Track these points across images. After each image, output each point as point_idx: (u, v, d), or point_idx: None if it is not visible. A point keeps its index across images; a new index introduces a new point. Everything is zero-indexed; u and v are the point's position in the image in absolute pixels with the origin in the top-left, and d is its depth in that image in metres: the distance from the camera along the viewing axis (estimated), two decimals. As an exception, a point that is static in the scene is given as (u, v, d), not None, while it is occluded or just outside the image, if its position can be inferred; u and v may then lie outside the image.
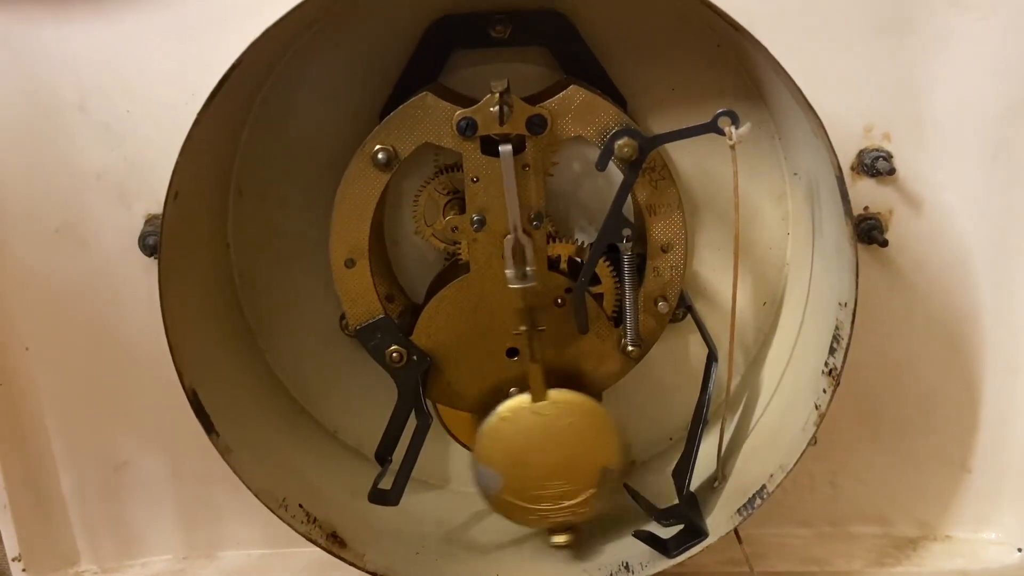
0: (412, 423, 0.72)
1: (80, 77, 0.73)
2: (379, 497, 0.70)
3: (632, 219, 0.70)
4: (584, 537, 0.75)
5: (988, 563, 0.83)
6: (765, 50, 0.61)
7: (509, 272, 0.68)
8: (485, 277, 0.70)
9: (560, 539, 0.74)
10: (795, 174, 0.74)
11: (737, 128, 0.61)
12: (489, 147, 0.66)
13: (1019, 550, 0.83)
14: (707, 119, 0.62)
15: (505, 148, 0.64)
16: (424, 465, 0.75)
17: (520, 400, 0.71)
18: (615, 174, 0.67)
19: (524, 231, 0.67)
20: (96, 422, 0.83)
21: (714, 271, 0.78)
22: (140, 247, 0.76)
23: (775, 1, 0.71)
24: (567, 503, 0.71)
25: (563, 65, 0.71)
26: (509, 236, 0.67)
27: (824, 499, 0.85)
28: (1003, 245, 0.76)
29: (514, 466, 0.71)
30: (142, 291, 0.77)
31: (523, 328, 0.70)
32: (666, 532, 0.72)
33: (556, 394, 0.70)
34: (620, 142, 0.65)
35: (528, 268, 0.68)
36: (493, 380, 0.72)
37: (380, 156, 0.66)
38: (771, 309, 0.79)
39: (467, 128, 0.65)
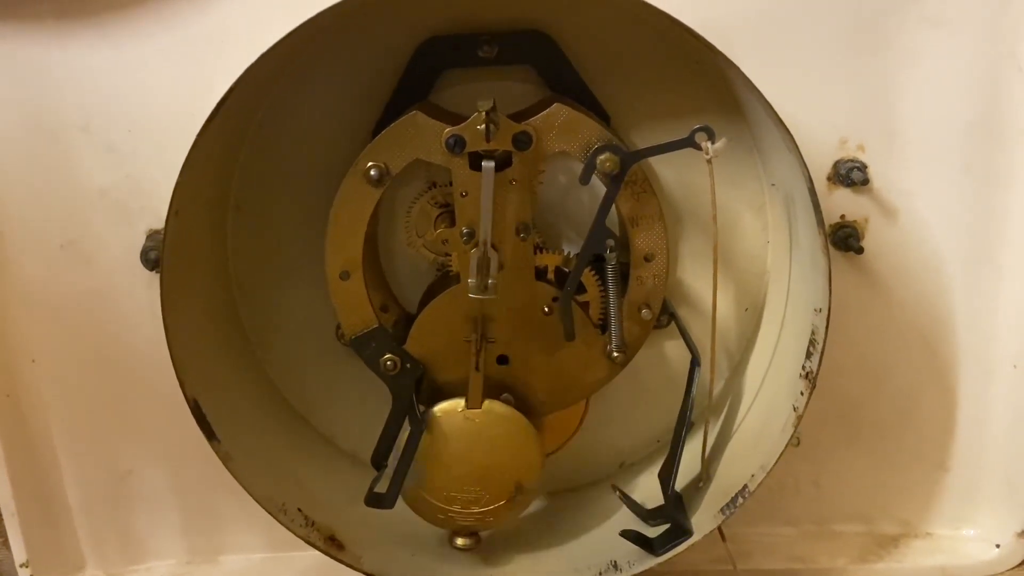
0: (407, 429, 0.72)
1: (83, 99, 0.74)
2: (375, 501, 0.71)
3: (616, 230, 0.72)
4: (573, 537, 0.77)
5: (967, 559, 0.85)
6: (738, 69, 0.62)
7: (471, 282, 0.69)
8: (475, 288, 0.71)
9: (463, 542, 0.75)
10: (773, 185, 0.76)
11: (713, 143, 0.63)
12: (477, 163, 0.67)
13: (997, 546, 0.84)
14: (688, 133, 0.63)
15: (488, 164, 0.66)
16: (419, 469, 0.77)
17: (456, 403, 0.72)
18: (599, 187, 0.69)
19: (493, 246, 0.69)
20: (101, 432, 0.84)
21: (697, 279, 0.79)
22: (142, 262, 0.77)
23: (753, 20, 0.73)
24: (476, 510, 0.73)
25: (548, 83, 0.73)
26: (475, 249, 0.69)
27: (808, 499, 0.86)
28: (975, 251, 0.78)
29: (435, 464, 0.72)
30: (144, 304, 0.78)
31: (473, 337, 0.71)
32: (653, 531, 0.73)
33: (492, 405, 0.72)
34: (602, 157, 0.66)
35: (490, 281, 0.69)
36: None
37: (372, 172, 0.68)
38: (752, 315, 0.81)
39: (455, 145, 0.67)
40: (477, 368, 0.71)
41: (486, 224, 0.68)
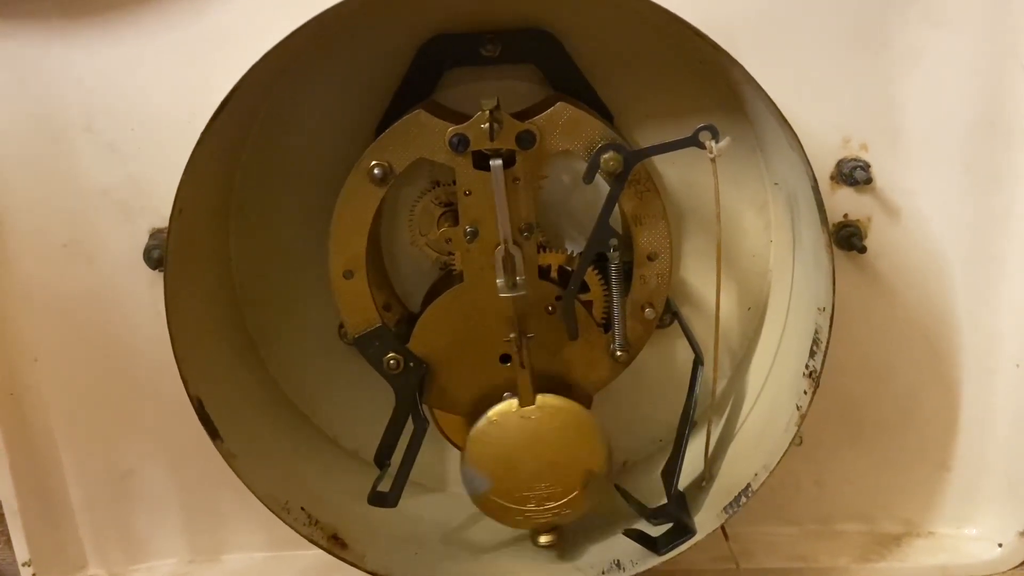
0: (410, 428, 0.73)
1: (86, 98, 0.74)
2: (378, 499, 0.72)
3: (619, 229, 0.72)
4: (577, 536, 0.77)
5: (969, 558, 0.85)
6: (742, 68, 0.63)
7: (500, 281, 0.69)
8: (478, 286, 0.71)
9: (545, 539, 0.75)
10: (776, 184, 0.76)
11: (717, 142, 0.63)
12: (481, 162, 0.68)
13: (999, 545, 0.84)
14: (691, 132, 0.63)
15: (496, 163, 0.66)
16: (422, 468, 0.77)
17: (509, 404, 0.72)
18: (603, 186, 0.69)
19: (514, 242, 0.69)
20: (103, 431, 0.84)
21: (700, 278, 0.79)
22: (145, 261, 0.77)
23: (756, 19, 0.73)
24: (552, 504, 0.73)
25: (551, 82, 0.73)
26: (500, 247, 0.69)
27: (810, 498, 0.86)
28: (978, 250, 0.78)
29: (502, 468, 0.72)
30: (147, 303, 0.78)
31: (512, 336, 0.72)
32: (655, 530, 0.73)
33: (544, 399, 0.72)
34: (606, 156, 0.66)
35: (518, 277, 0.69)
36: (487, 385, 0.74)
37: (376, 171, 0.68)
38: (755, 314, 0.81)
39: (459, 144, 0.67)
40: (523, 365, 0.71)
41: (504, 222, 0.68)
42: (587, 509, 0.74)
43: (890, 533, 0.87)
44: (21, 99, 0.75)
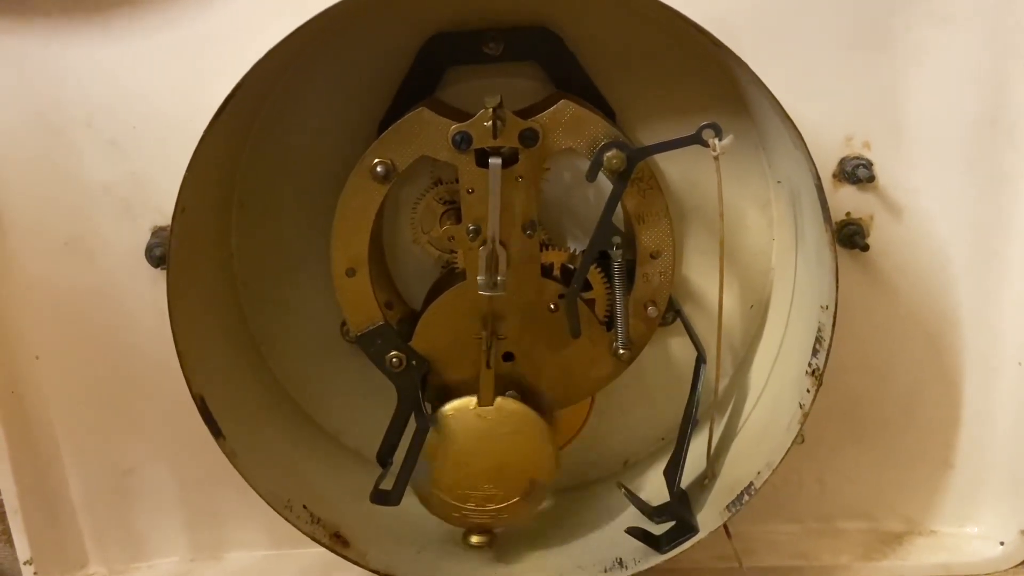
0: (412, 426, 0.73)
1: (87, 95, 0.74)
2: (381, 498, 0.71)
3: (622, 227, 0.72)
4: (579, 534, 0.77)
5: (971, 556, 0.85)
6: (746, 65, 0.63)
7: (481, 279, 0.69)
8: (481, 284, 0.71)
9: (476, 540, 0.75)
10: (778, 182, 0.76)
11: (720, 140, 0.63)
12: (484, 160, 0.67)
13: (1001, 543, 0.85)
14: (694, 130, 0.63)
15: (494, 161, 0.66)
16: (424, 467, 0.77)
17: (467, 401, 0.72)
18: (606, 184, 0.69)
19: (501, 243, 0.69)
20: (104, 429, 0.84)
21: (702, 276, 0.79)
22: (147, 258, 0.77)
23: (759, 16, 0.73)
24: (491, 507, 0.73)
25: (554, 80, 0.73)
26: (486, 245, 0.69)
27: (812, 496, 0.86)
28: (980, 248, 0.78)
29: (449, 462, 0.72)
30: (148, 301, 0.78)
31: (483, 334, 0.71)
32: (658, 528, 0.73)
33: (503, 402, 0.72)
34: (608, 154, 0.66)
35: (499, 277, 0.69)
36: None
37: (379, 169, 0.68)
38: (758, 312, 0.81)
39: (462, 142, 0.67)
40: (488, 365, 0.71)
41: (494, 221, 0.68)
42: (525, 517, 0.74)
43: (892, 531, 0.87)
44: (23, 96, 0.75)
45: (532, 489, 0.73)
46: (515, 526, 0.75)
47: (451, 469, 0.72)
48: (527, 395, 0.74)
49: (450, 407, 0.72)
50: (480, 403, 0.72)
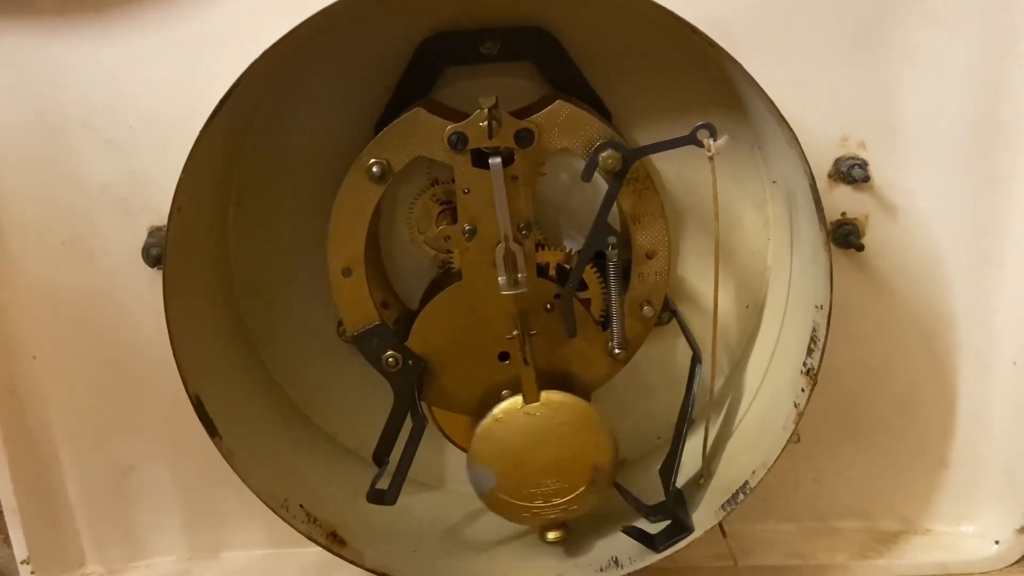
0: (408, 425, 0.73)
1: (85, 95, 0.74)
2: (377, 497, 0.72)
3: (617, 227, 0.73)
4: (576, 533, 0.77)
5: (967, 555, 0.85)
6: (740, 66, 0.63)
7: (502, 279, 0.70)
8: (477, 284, 0.71)
9: (553, 535, 0.75)
10: (774, 182, 0.77)
11: (715, 140, 0.63)
12: (480, 160, 0.68)
13: (996, 542, 0.85)
14: (689, 130, 0.64)
15: (495, 161, 0.66)
16: (420, 466, 0.77)
17: (514, 402, 0.72)
18: (601, 184, 0.69)
19: (514, 239, 0.69)
20: (102, 428, 0.84)
21: (698, 276, 0.80)
22: (144, 258, 0.77)
23: (754, 17, 0.73)
24: (559, 500, 0.73)
25: (550, 80, 0.73)
26: (500, 245, 0.69)
27: (808, 495, 0.86)
28: (975, 248, 0.78)
29: (508, 465, 0.72)
30: (146, 300, 0.78)
31: (515, 332, 0.72)
32: (654, 528, 0.73)
33: (548, 395, 0.72)
34: (604, 154, 0.66)
35: (520, 275, 0.70)
36: (486, 383, 0.74)
37: (375, 169, 0.68)
38: (754, 312, 0.81)
39: (458, 142, 0.67)
40: (526, 362, 0.71)
41: (504, 220, 0.68)
42: (595, 504, 0.74)
43: (888, 530, 0.87)
44: (20, 96, 0.75)
45: (596, 475, 0.73)
46: (588, 514, 0.75)
47: (512, 472, 0.73)
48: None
49: (498, 411, 0.72)
50: (526, 400, 0.72)
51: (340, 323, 0.78)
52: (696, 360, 0.74)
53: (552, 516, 0.74)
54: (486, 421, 0.72)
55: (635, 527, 0.74)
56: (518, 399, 0.72)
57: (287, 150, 0.77)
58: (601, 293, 0.74)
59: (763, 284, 0.80)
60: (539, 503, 0.73)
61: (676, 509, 0.73)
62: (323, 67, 0.74)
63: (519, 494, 0.73)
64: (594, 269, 0.74)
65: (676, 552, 0.72)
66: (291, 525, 0.72)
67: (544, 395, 0.72)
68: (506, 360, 0.74)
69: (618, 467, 0.75)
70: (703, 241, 0.79)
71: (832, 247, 0.72)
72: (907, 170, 0.76)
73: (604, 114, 0.74)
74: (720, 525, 0.72)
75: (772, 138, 0.71)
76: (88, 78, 0.74)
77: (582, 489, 0.73)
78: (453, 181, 0.70)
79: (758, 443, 0.73)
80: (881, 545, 0.86)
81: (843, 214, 0.77)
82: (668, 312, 0.77)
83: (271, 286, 0.80)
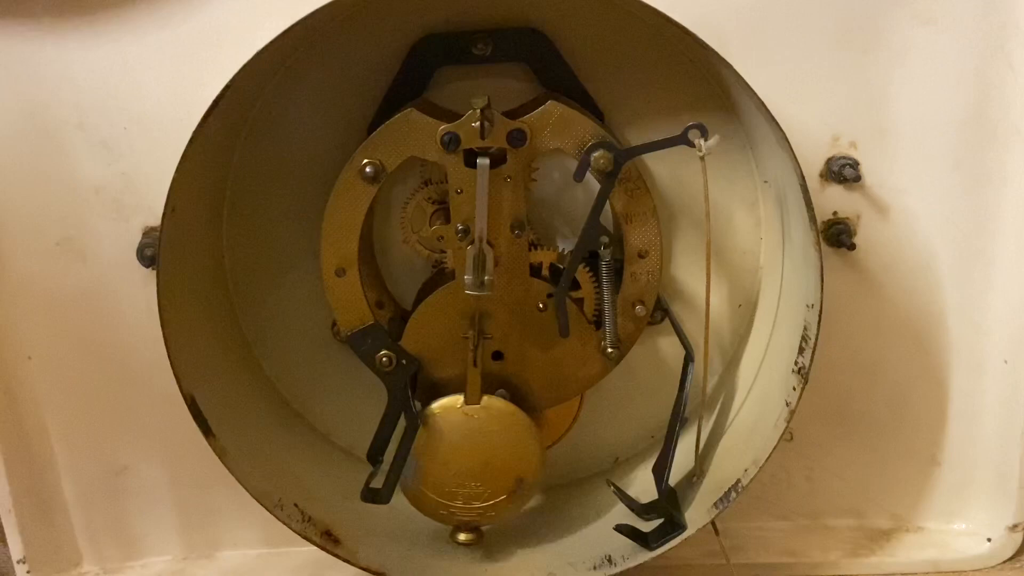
0: (402, 425, 0.73)
1: (78, 96, 0.74)
2: (371, 496, 0.72)
3: (610, 227, 0.73)
4: (569, 531, 0.77)
5: (959, 553, 0.85)
6: (731, 67, 0.63)
7: (468, 278, 0.70)
8: (471, 284, 0.72)
9: (464, 537, 0.76)
10: (765, 182, 0.77)
11: (706, 140, 0.63)
12: (472, 160, 0.68)
13: (988, 540, 0.85)
14: (681, 131, 0.64)
15: (482, 161, 0.67)
16: (414, 465, 0.77)
17: (454, 399, 0.73)
18: (593, 184, 0.69)
19: (488, 243, 0.69)
20: (97, 428, 0.84)
21: (691, 275, 0.80)
22: (138, 259, 0.77)
23: (746, 18, 0.73)
24: (479, 504, 0.74)
25: (542, 80, 0.74)
26: (472, 245, 0.69)
27: (801, 494, 0.87)
28: (966, 247, 0.78)
29: (436, 461, 0.73)
30: (140, 301, 0.78)
31: (471, 333, 0.72)
32: (646, 526, 0.74)
33: (490, 400, 0.73)
34: (596, 154, 0.67)
35: (486, 277, 0.70)
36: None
37: (368, 170, 0.68)
38: (746, 311, 0.81)
39: (450, 142, 0.67)
40: (475, 364, 0.72)
41: (481, 221, 0.68)
42: (512, 515, 0.75)
43: (880, 528, 0.87)
44: (13, 97, 0.75)
45: (519, 487, 0.74)
46: (502, 524, 0.75)
47: (438, 467, 0.73)
48: (516, 394, 0.74)
49: (437, 405, 0.73)
50: (467, 402, 0.72)
51: (334, 323, 0.78)
52: (689, 359, 0.74)
53: (467, 518, 0.74)
54: (423, 413, 0.73)
55: (628, 525, 0.74)
56: (459, 398, 0.73)
57: (280, 151, 0.77)
58: (594, 293, 0.74)
59: (755, 283, 0.81)
60: (459, 503, 0.74)
61: (669, 507, 0.73)
62: (316, 67, 0.74)
63: (440, 491, 0.73)
64: (587, 269, 0.74)
65: (669, 550, 0.72)
66: (285, 524, 0.72)
67: (486, 399, 0.72)
68: (499, 359, 0.74)
69: (540, 484, 0.75)
70: (695, 240, 0.79)
71: (823, 246, 0.73)
72: (898, 170, 0.77)
73: (596, 114, 0.74)
74: (713, 523, 0.72)
75: (763, 138, 0.71)
76: (81, 79, 0.74)
77: (503, 498, 0.74)
78: (446, 181, 0.70)
79: (750, 441, 0.73)
80: (873, 543, 0.86)
81: (834, 213, 0.78)
82: (660, 311, 0.77)
83: (265, 286, 0.80)
